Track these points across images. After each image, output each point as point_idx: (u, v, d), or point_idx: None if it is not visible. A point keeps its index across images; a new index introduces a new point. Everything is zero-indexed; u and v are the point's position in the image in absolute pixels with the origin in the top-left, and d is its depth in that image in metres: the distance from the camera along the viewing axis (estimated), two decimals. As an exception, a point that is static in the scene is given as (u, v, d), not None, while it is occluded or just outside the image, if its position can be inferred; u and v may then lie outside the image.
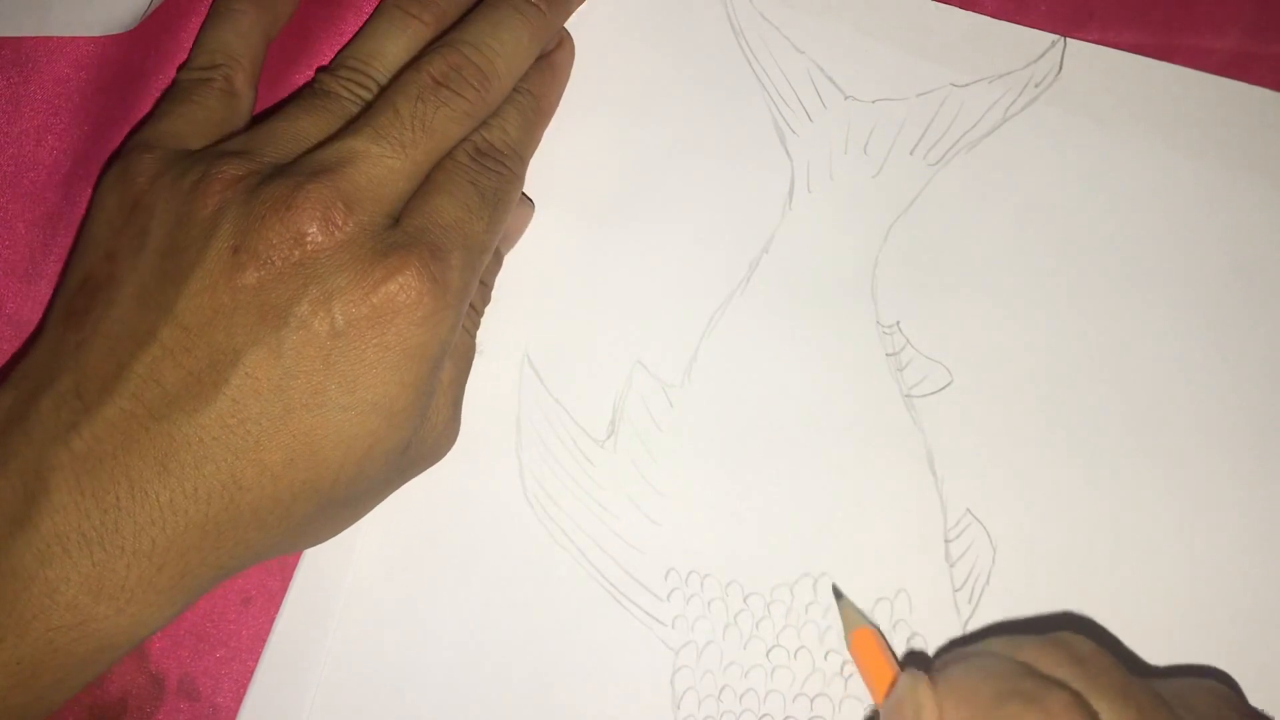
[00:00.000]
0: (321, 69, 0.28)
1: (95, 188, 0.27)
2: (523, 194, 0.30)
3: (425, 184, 0.26)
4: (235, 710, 0.28)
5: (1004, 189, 0.30)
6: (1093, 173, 0.30)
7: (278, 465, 0.24)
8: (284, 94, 0.31)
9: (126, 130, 0.31)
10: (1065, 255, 0.30)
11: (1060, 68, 0.31)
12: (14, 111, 0.31)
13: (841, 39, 0.31)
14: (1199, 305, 0.30)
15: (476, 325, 0.29)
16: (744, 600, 0.29)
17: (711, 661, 0.28)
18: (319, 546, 0.29)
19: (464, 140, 0.27)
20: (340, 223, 0.24)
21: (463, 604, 0.29)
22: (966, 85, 0.31)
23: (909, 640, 0.28)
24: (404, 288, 0.24)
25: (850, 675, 0.28)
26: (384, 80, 0.28)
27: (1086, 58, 0.31)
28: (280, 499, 0.24)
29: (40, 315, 0.30)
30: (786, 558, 0.29)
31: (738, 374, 0.30)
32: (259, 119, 0.27)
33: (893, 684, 0.25)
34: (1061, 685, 0.23)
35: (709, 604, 0.29)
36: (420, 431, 0.26)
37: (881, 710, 0.25)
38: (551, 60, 0.30)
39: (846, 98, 0.31)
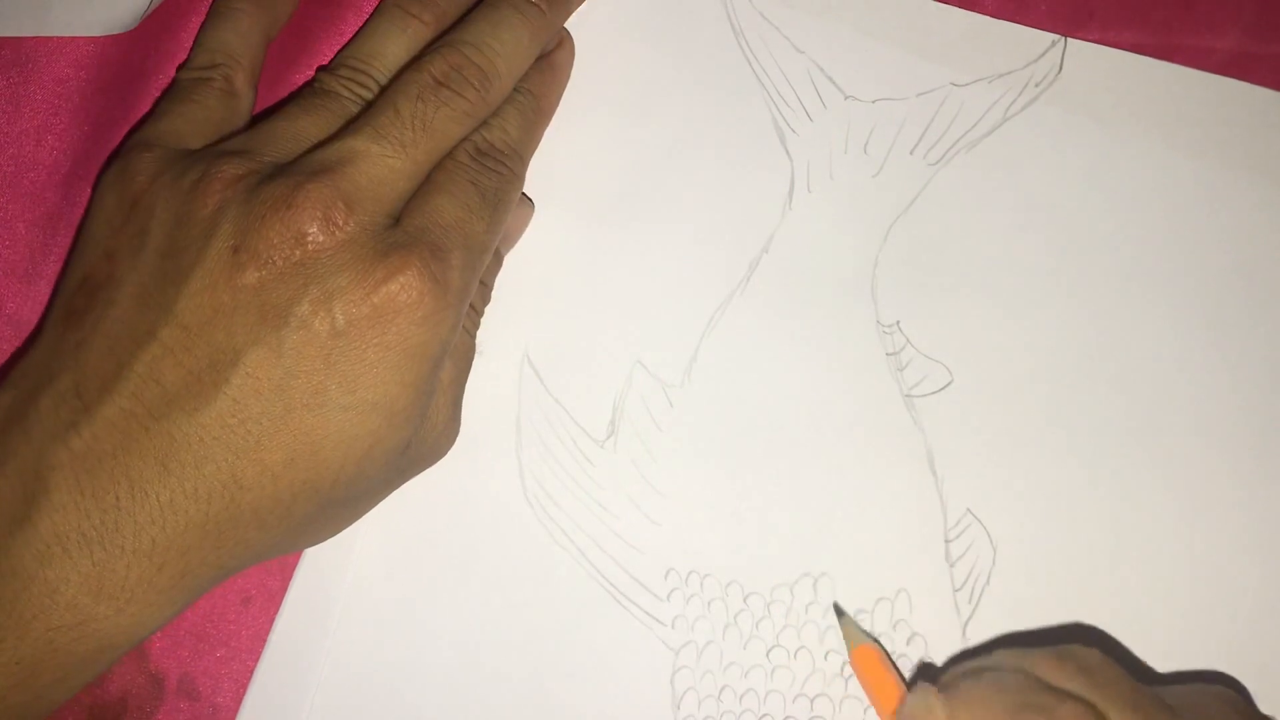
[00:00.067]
0: (322, 68, 0.28)
1: (94, 187, 0.27)
2: (523, 194, 0.30)
3: (426, 184, 0.26)
4: (235, 710, 0.28)
5: (1004, 189, 0.30)
6: (1093, 173, 0.30)
7: (278, 465, 0.24)
8: (284, 94, 0.31)
9: (126, 130, 0.31)
10: (1065, 255, 0.30)
11: (1060, 67, 0.31)
12: (14, 111, 0.31)
13: (841, 39, 0.31)
14: (1199, 305, 0.30)
15: (476, 325, 0.29)
16: (744, 600, 0.29)
17: (711, 661, 0.28)
18: (319, 546, 0.29)
19: (464, 140, 0.27)
20: (341, 222, 0.24)
21: (462, 604, 0.29)
22: (966, 85, 0.31)
23: (909, 640, 0.28)
24: (405, 287, 0.24)
25: (850, 675, 0.28)
26: (384, 80, 0.28)
27: (1087, 57, 0.31)
28: (280, 499, 0.24)
29: (40, 315, 0.30)
30: (786, 558, 0.29)
31: (738, 374, 0.30)
32: (259, 119, 0.27)
33: (899, 700, 0.25)
34: (1074, 697, 0.23)
35: (709, 604, 0.29)
36: (420, 431, 0.26)
37: None
38: (552, 60, 0.30)
39: (846, 97, 0.31)
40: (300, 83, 0.31)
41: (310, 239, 0.24)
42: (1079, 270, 0.30)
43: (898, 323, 0.30)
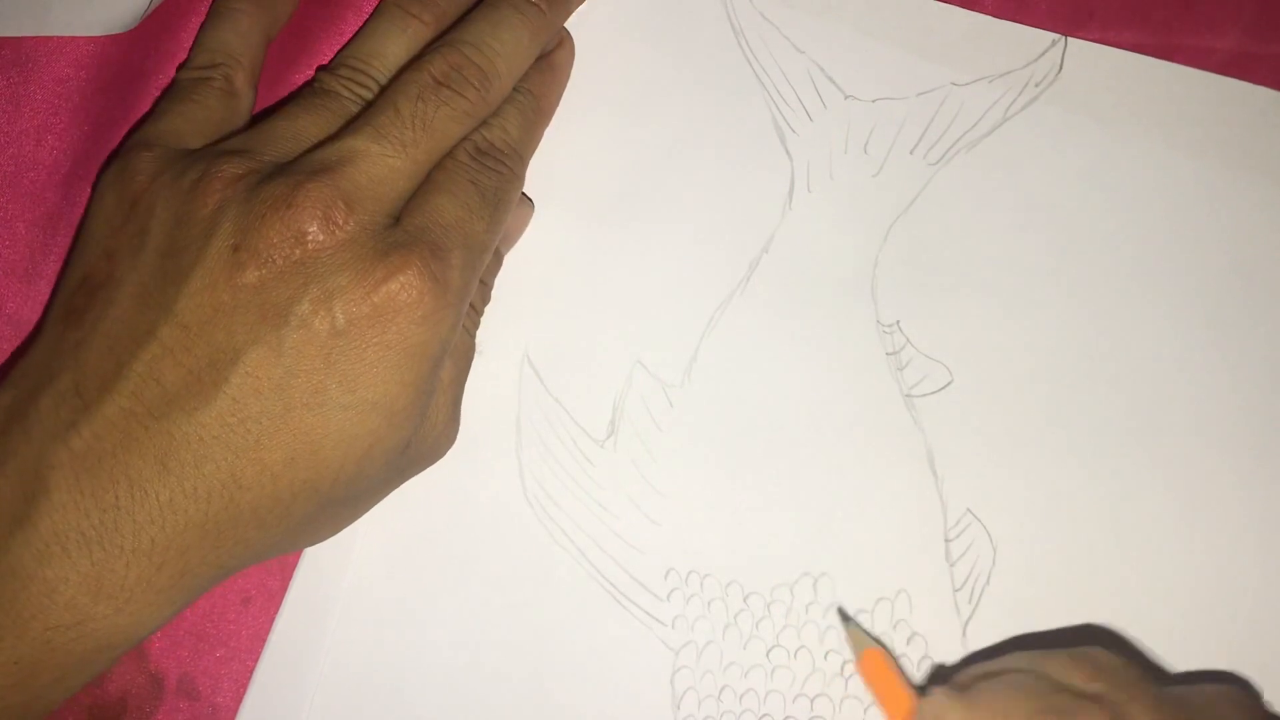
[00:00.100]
0: (322, 68, 0.28)
1: (94, 186, 0.27)
2: (523, 194, 0.30)
3: (426, 183, 0.26)
4: (235, 710, 0.28)
5: (1004, 188, 0.30)
6: (1093, 172, 0.30)
7: (278, 464, 0.24)
8: (284, 94, 0.31)
9: (126, 130, 0.31)
10: (1065, 255, 0.30)
11: (1060, 67, 0.31)
12: (14, 111, 0.31)
13: (841, 38, 0.31)
14: (1199, 305, 0.30)
15: (476, 325, 0.29)
16: (744, 600, 0.29)
17: (711, 661, 0.28)
18: (318, 546, 0.29)
19: (464, 140, 0.27)
20: (341, 221, 0.24)
21: (462, 604, 0.29)
22: (967, 85, 0.31)
23: (909, 640, 0.28)
24: (405, 287, 0.24)
25: (850, 675, 0.28)
26: (384, 80, 0.28)
27: (1087, 57, 0.31)
28: (280, 498, 0.24)
29: (40, 315, 0.30)
30: (786, 558, 0.29)
31: (738, 374, 0.30)
32: (259, 118, 0.27)
33: (910, 705, 0.25)
34: (1094, 699, 0.23)
35: (709, 604, 0.29)
36: (420, 431, 0.26)
37: None
38: (552, 60, 0.30)
39: (846, 97, 0.31)
40: (300, 83, 0.31)
41: (310, 238, 0.24)
42: (1079, 270, 0.30)
43: (898, 322, 0.30)
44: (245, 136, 0.26)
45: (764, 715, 0.28)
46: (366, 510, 0.27)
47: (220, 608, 0.29)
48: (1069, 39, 0.31)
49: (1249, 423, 0.29)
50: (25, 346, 0.30)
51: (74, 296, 0.25)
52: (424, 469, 0.28)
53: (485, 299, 0.29)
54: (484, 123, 0.28)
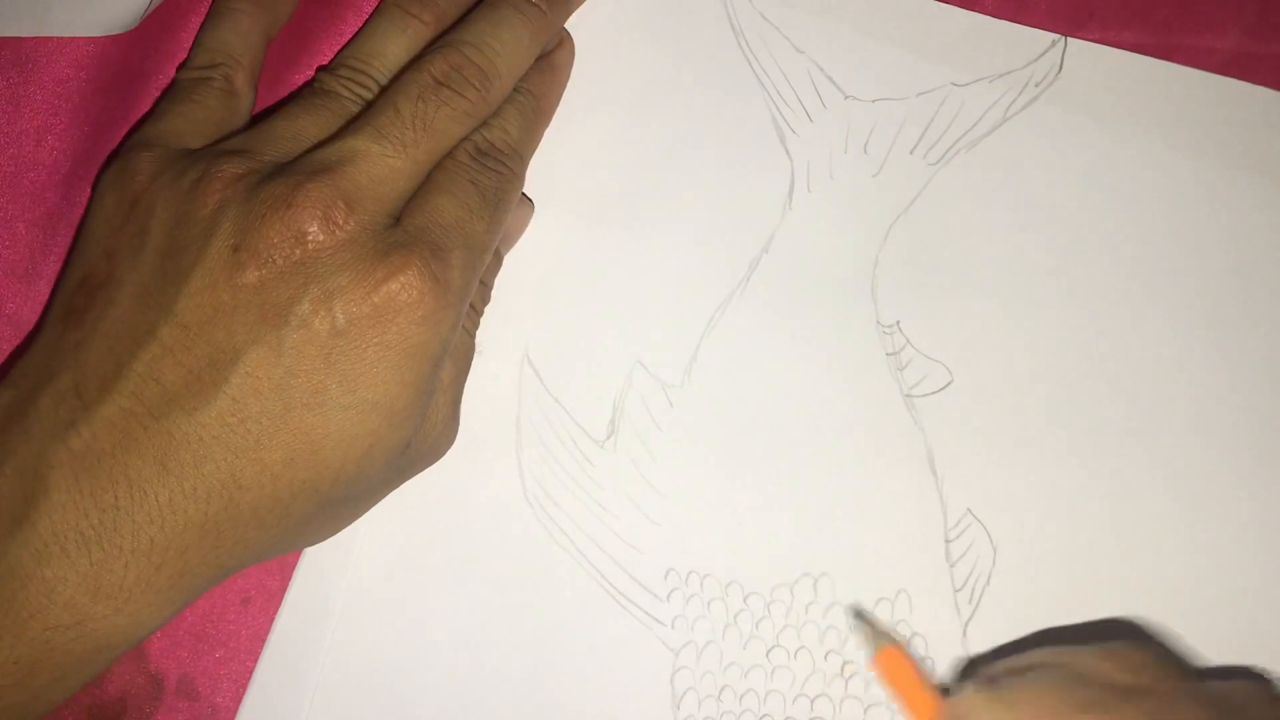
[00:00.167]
0: (322, 68, 0.28)
1: (94, 186, 0.27)
2: (523, 194, 0.30)
3: (426, 184, 0.26)
4: (234, 710, 0.28)
5: (1004, 189, 0.30)
6: (1093, 172, 0.30)
7: (277, 464, 0.24)
8: (284, 94, 0.31)
9: (126, 130, 0.31)
10: (1065, 255, 0.30)
11: (1060, 67, 0.31)
12: (14, 111, 0.31)
13: (841, 38, 0.31)
14: (1199, 305, 0.30)
15: (476, 325, 0.29)
16: (744, 600, 0.29)
17: (711, 662, 0.28)
18: (318, 546, 0.29)
19: (464, 140, 0.27)
20: (341, 221, 0.24)
21: (462, 604, 0.29)
22: (967, 85, 0.31)
23: (909, 641, 0.28)
24: (405, 287, 0.24)
25: (851, 676, 0.28)
26: (384, 80, 0.28)
27: (1087, 57, 0.31)
28: (280, 498, 0.24)
29: (40, 315, 0.30)
30: (786, 558, 0.29)
31: (738, 374, 0.30)
32: (259, 118, 0.27)
33: (933, 703, 0.25)
34: (1137, 695, 0.23)
35: (709, 604, 0.29)
36: (420, 431, 0.26)
37: None
38: (552, 60, 0.30)
39: (846, 97, 0.31)
40: (300, 83, 0.31)
41: (310, 238, 0.24)
42: (1079, 270, 0.30)
43: (898, 323, 0.30)
44: (245, 136, 0.26)
45: (764, 715, 0.28)
46: (366, 510, 0.27)
47: (220, 608, 0.29)
48: (1069, 39, 0.31)
49: (1249, 423, 0.29)
50: (25, 346, 0.30)
51: (74, 296, 0.25)
52: (424, 469, 0.28)
53: (485, 299, 0.29)
54: (484, 123, 0.28)
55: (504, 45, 0.28)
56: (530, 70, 0.29)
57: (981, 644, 0.28)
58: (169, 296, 0.24)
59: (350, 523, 0.27)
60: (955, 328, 0.30)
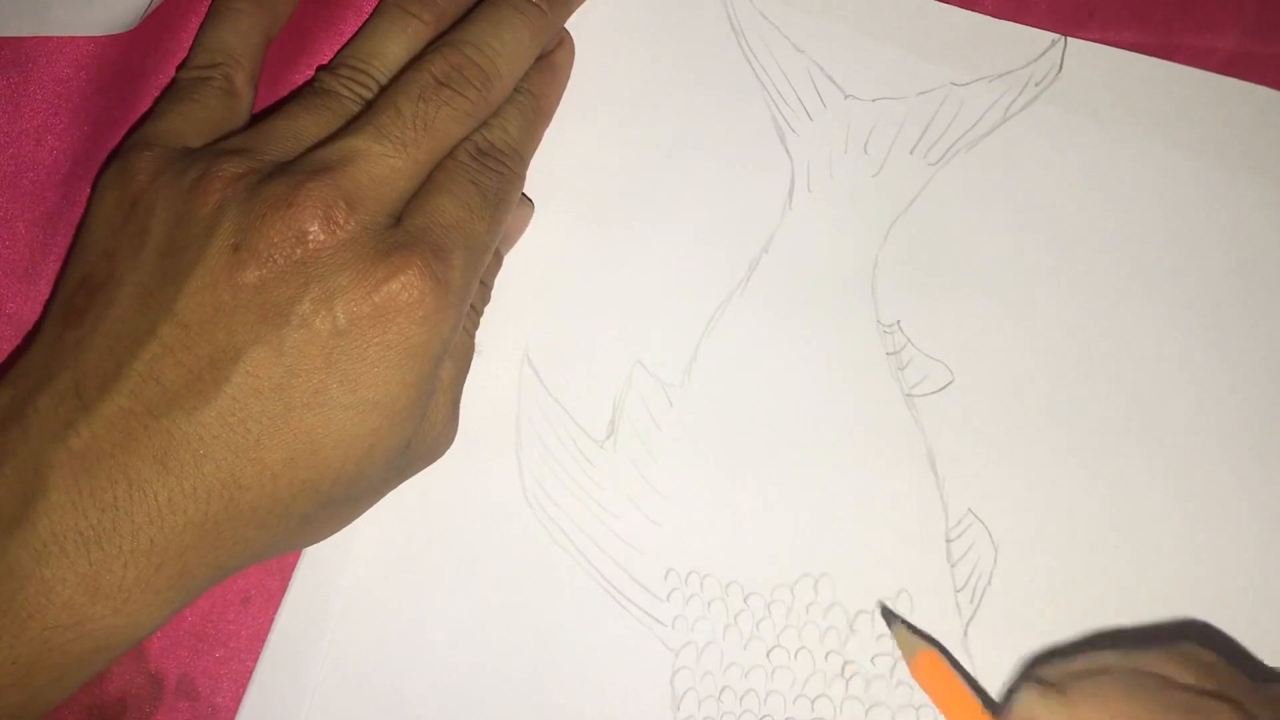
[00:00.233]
0: (322, 68, 0.28)
1: (94, 186, 0.27)
2: (523, 194, 0.30)
3: (427, 183, 0.26)
4: (234, 710, 0.28)
5: (1004, 188, 0.30)
6: (1093, 172, 0.30)
7: (278, 464, 0.24)
8: (284, 94, 0.31)
9: (126, 130, 0.31)
10: (1065, 255, 0.30)
11: (1060, 67, 0.31)
12: (14, 111, 0.31)
13: (841, 38, 0.31)
14: (1200, 304, 0.30)
15: (476, 325, 0.29)
16: (744, 600, 0.29)
17: (711, 662, 0.28)
18: (317, 546, 0.29)
19: (465, 140, 0.27)
20: (342, 221, 0.24)
21: (462, 604, 0.29)
22: (966, 84, 0.31)
23: (910, 641, 0.28)
24: (406, 287, 0.24)
25: (851, 676, 0.28)
26: (384, 79, 0.28)
27: (1087, 57, 0.31)
28: (280, 498, 0.24)
29: (40, 315, 0.30)
30: (786, 558, 0.29)
31: (738, 374, 0.30)
32: (259, 118, 0.27)
33: (978, 708, 0.24)
34: (1220, 698, 0.22)
35: (709, 604, 0.29)
36: (420, 431, 0.26)
37: None
38: (552, 60, 0.30)
39: (846, 97, 0.31)
40: (300, 83, 0.31)
41: (311, 238, 0.24)
42: (1079, 270, 0.30)
43: (898, 322, 0.30)
44: (245, 136, 0.26)
45: (764, 716, 0.28)
46: (366, 510, 0.27)
47: (220, 608, 0.29)
48: (1069, 39, 0.31)
49: (1249, 423, 0.29)
50: (25, 346, 0.30)
51: (74, 296, 0.25)
52: (423, 469, 0.28)
53: (485, 299, 0.29)
54: (484, 123, 0.28)
55: (504, 45, 0.28)
56: (530, 70, 0.29)
57: (983, 645, 0.28)
58: (169, 296, 0.24)
59: (350, 522, 0.27)
60: (955, 327, 0.30)
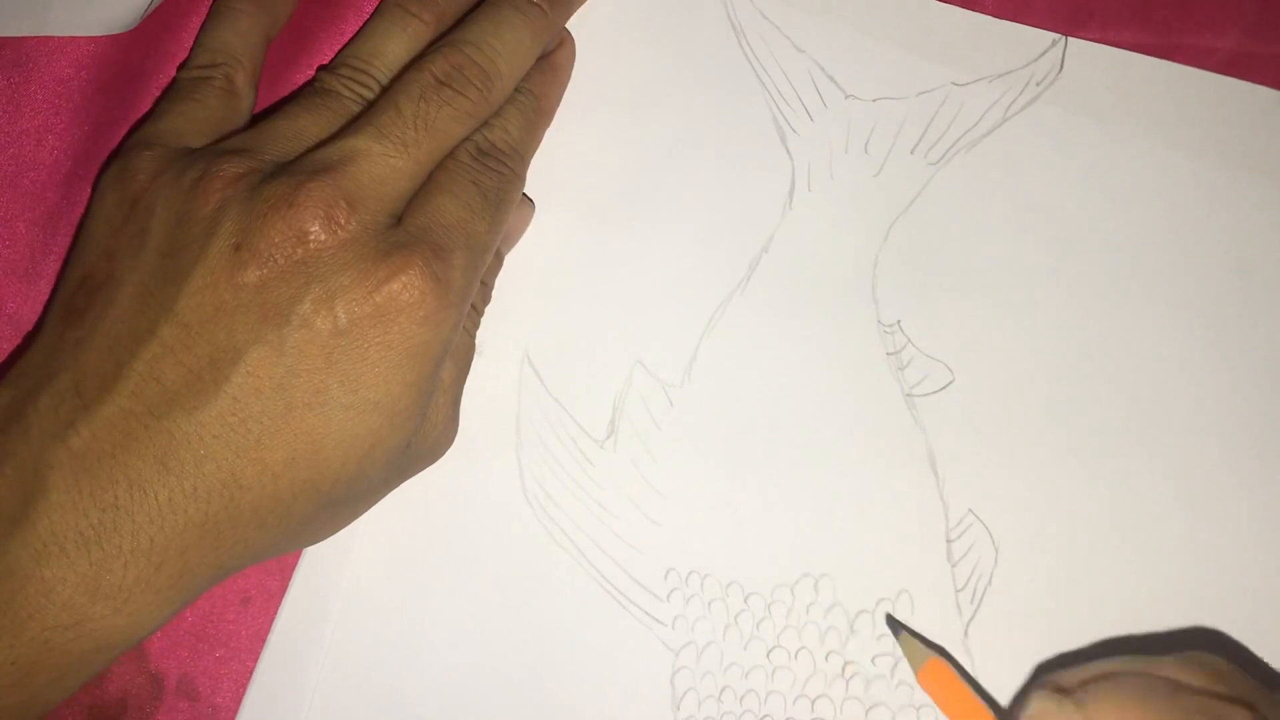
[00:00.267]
0: (322, 68, 0.28)
1: (95, 186, 0.27)
2: (523, 194, 0.30)
3: (427, 184, 0.26)
4: (234, 710, 0.28)
5: (1004, 188, 0.30)
6: (1093, 172, 0.30)
7: (279, 464, 0.24)
8: (284, 94, 0.31)
9: (126, 130, 0.31)
10: (1065, 255, 0.30)
11: (1061, 67, 0.31)
12: (14, 111, 0.31)
13: (842, 38, 0.31)
14: (1200, 304, 0.30)
15: (477, 325, 0.29)
16: (744, 601, 0.29)
17: (712, 662, 0.28)
18: (318, 546, 0.29)
19: (466, 140, 0.27)
20: (343, 221, 0.24)
21: (462, 604, 0.29)
22: (967, 84, 0.31)
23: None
24: (407, 287, 0.24)
25: (852, 677, 0.28)
26: (385, 79, 0.28)
27: (1087, 57, 0.31)
28: (280, 498, 0.24)
29: (40, 315, 0.30)
30: (787, 558, 0.29)
31: (738, 374, 0.30)
32: (259, 118, 0.27)
33: (981, 715, 0.24)
34: (1243, 705, 0.22)
35: (709, 604, 0.29)
36: (420, 431, 0.26)
37: None
38: (553, 60, 0.30)
39: (847, 97, 0.31)
40: (300, 83, 0.31)
41: (312, 237, 0.24)
42: (1079, 270, 0.30)
43: (898, 322, 0.30)
44: (246, 136, 0.26)
45: (765, 716, 0.28)
46: (366, 510, 0.27)
47: (220, 608, 0.29)
48: (1069, 39, 0.31)
49: (1249, 423, 0.29)
50: (25, 346, 0.30)
51: (74, 296, 0.25)
52: (423, 469, 0.28)
53: (486, 299, 0.29)
54: (485, 123, 0.28)
55: (505, 45, 0.28)
56: (531, 70, 0.29)
57: (984, 645, 0.28)
58: (170, 295, 0.24)
59: (350, 522, 0.27)
60: (956, 327, 0.30)
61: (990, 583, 0.28)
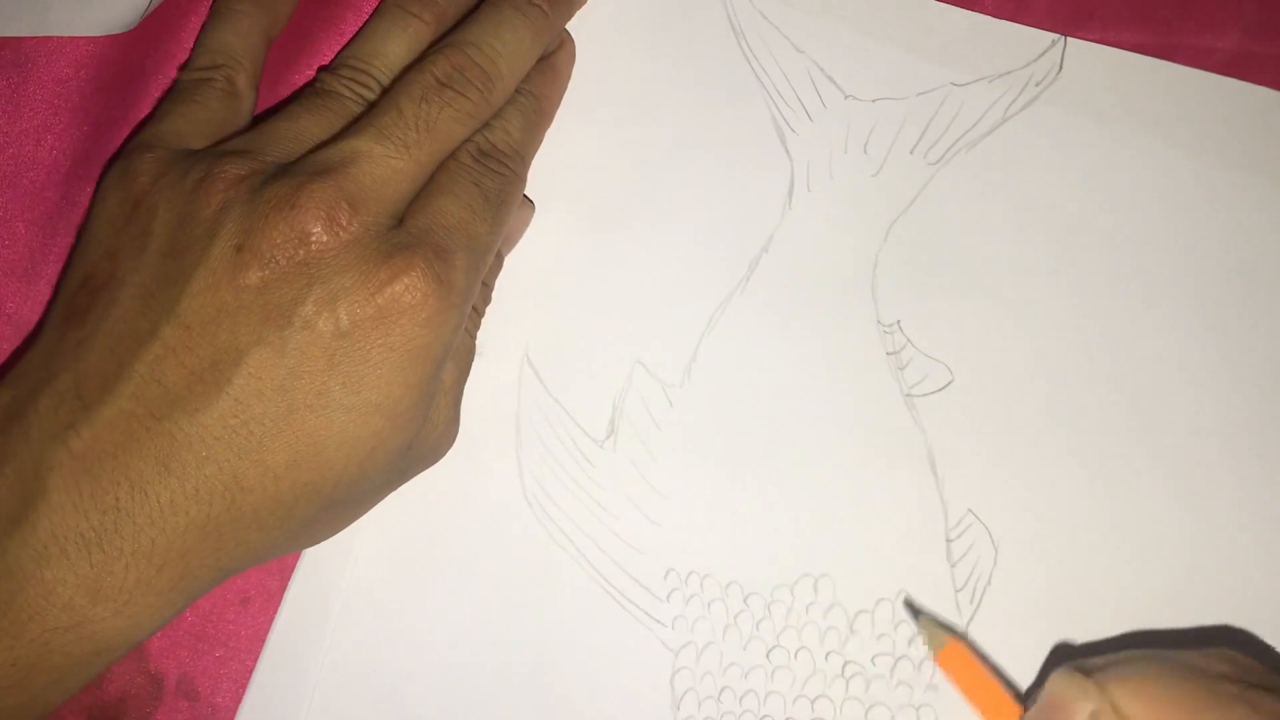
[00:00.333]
0: (323, 68, 0.28)
1: (96, 187, 0.27)
2: (524, 195, 0.30)
3: (429, 185, 0.26)
4: (234, 710, 0.28)
5: (1004, 188, 0.30)
6: (1093, 172, 0.30)
7: (280, 466, 0.24)
8: (285, 94, 0.31)
9: (126, 130, 0.31)
10: (1065, 255, 0.30)
11: (1060, 67, 0.31)
12: (14, 111, 0.31)
13: (841, 38, 0.31)
14: (1200, 304, 0.30)
15: (477, 326, 0.29)
16: (744, 601, 0.29)
17: (711, 662, 0.28)
18: (318, 547, 0.29)
19: (467, 141, 0.27)
20: (345, 223, 0.24)
21: (462, 604, 0.29)
22: (966, 84, 0.31)
23: (910, 642, 0.28)
24: (409, 288, 0.24)
25: (852, 676, 0.28)
26: (385, 80, 0.28)
27: (1087, 57, 0.31)
28: (282, 500, 0.24)
29: (40, 315, 0.30)
30: (786, 558, 0.29)
31: (738, 374, 0.30)
32: (260, 119, 0.27)
33: (1006, 701, 0.24)
34: (1260, 688, 0.22)
35: (709, 604, 0.29)
36: (421, 432, 0.26)
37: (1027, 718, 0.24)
38: (553, 61, 0.30)
39: (846, 97, 0.31)
40: (301, 83, 0.31)
41: (314, 239, 0.24)
42: (1079, 270, 0.30)
43: (898, 322, 0.30)
44: (247, 137, 0.26)
45: (764, 716, 0.28)
46: (366, 511, 0.27)
47: (219, 608, 0.29)
48: (1069, 39, 0.31)
49: (1249, 423, 0.29)
50: (25, 346, 0.30)
51: (75, 297, 0.25)
52: (423, 470, 0.28)
53: (486, 300, 0.29)
54: (486, 124, 0.28)
55: (506, 46, 0.28)
56: (532, 71, 0.29)
57: (983, 644, 0.28)
58: (171, 297, 0.24)
59: (350, 523, 0.27)
60: (955, 327, 0.30)
61: (990, 582, 0.28)
